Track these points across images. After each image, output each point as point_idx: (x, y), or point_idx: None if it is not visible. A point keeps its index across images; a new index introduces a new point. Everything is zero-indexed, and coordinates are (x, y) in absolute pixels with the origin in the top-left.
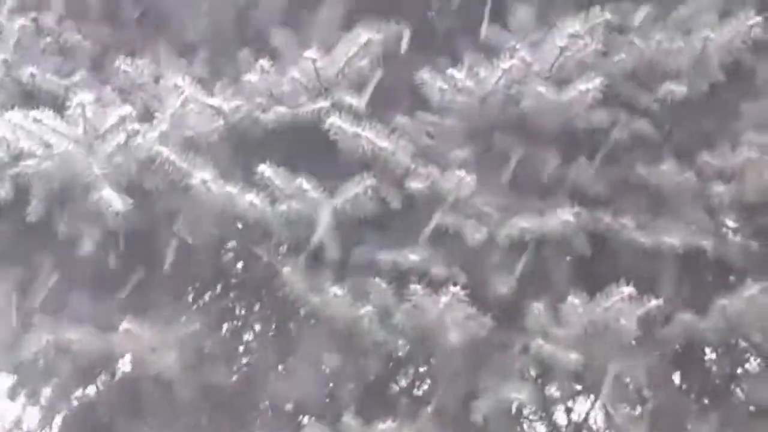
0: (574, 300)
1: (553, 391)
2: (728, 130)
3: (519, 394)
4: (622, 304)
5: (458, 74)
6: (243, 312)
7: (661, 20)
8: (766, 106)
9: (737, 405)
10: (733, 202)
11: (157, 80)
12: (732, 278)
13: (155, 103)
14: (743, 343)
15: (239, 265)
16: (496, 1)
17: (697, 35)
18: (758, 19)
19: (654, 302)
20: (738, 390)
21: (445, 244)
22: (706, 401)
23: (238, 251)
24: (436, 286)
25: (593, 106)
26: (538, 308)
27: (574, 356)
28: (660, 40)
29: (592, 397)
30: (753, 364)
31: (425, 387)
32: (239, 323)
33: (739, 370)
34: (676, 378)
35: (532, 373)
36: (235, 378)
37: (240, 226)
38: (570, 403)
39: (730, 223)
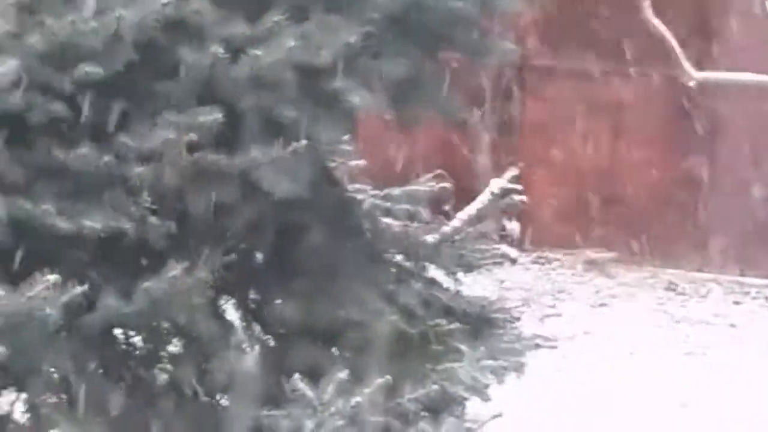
0: None
1: None
2: (145, 111)
3: None
4: (46, 293)
5: None
6: None
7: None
8: (182, 85)
9: (160, 386)
10: (152, 184)
11: None
12: (154, 260)
13: None
14: (166, 325)
15: None
16: None
17: (110, 15)
18: None
19: (78, 288)
20: (160, 372)
21: None
22: (128, 384)
23: None
24: None
25: (8, 89)
26: None
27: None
28: (73, 20)
29: (16, 389)
30: (177, 345)
31: None
32: None
33: (162, 352)
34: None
35: None
36: None
37: None
38: None
39: (150, 205)
